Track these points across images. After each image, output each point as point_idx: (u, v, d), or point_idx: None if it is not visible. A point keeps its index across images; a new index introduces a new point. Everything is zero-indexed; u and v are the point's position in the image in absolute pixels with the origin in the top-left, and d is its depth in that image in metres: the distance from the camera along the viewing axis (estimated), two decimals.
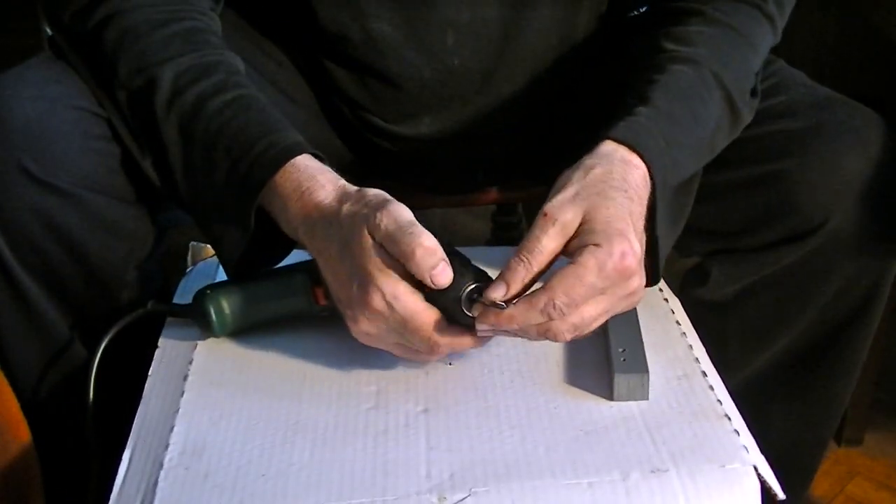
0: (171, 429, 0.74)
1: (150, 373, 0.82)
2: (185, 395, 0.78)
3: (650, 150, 0.79)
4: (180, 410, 0.76)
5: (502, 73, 0.99)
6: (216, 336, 0.85)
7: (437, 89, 0.98)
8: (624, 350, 0.80)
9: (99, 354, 0.81)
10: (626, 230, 0.73)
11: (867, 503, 1.37)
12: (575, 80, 1.03)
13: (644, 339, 0.82)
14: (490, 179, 1.10)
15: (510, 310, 0.72)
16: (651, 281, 0.83)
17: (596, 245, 0.72)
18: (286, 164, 0.78)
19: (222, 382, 0.79)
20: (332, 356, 0.83)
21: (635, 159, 0.78)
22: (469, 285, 0.74)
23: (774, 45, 0.95)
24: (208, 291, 0.84)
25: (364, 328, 0.75)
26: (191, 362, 0.82)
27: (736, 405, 0.78)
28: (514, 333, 0.75)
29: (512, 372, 0.81)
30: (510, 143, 1.04)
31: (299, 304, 0.85)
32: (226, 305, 0.84)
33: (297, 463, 0.71)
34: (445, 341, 0.74)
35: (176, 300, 0.90)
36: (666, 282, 0.97)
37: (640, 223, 0.77)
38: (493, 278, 0.74)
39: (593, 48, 1.01)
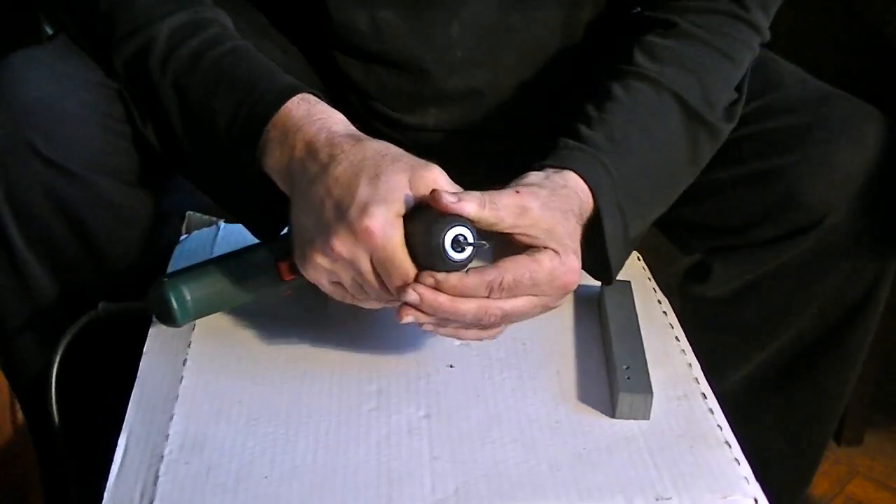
0: (171, 418, 0.73)
1: (144, 350, 0.80)
2: (183, 382, 0.76)
3: (596, 180, 0.80)
4: (179, 398, 0.75)
5: (506, 68, 0.98)
6: (178, 326, 0.81)
7: (441, 81, 0.97)
8: (628, 367, 0.79)
9: (56, 365, 0.79)
10: (577, 251, 0.77)
11: (867, 503, 1.38)
12: (578, 77, 1.02)
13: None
14: (492, 174, 1.09)
15: (458, 277, 0.73)
16: (606, 280, 0.86)
17: (555, 252, 0.74)
18: (295, 96, 0.77)
19: (221, 370, 0.78)
20: (331, 349, 0.82)
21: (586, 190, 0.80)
22: (454, 226, 0.72)
23: (777, 45, 0.95)
24: (165, 279, 0.80)
25: (335, 252, 0.72)
26: (189, 345, 0.80)
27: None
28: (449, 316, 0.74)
29: (513, 378, 0.80)
30: (513, 138, 1.03)
31: (264, 281, 0.81)
32: (186, 292, 0.80)
33: (300, 465, 0.70)
34: (420, 288, 0.72)
35: (170, 269, 0.88)
36: (666, 282, 0.97)
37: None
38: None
39: (596, 44, 1.00)
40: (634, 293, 0.90)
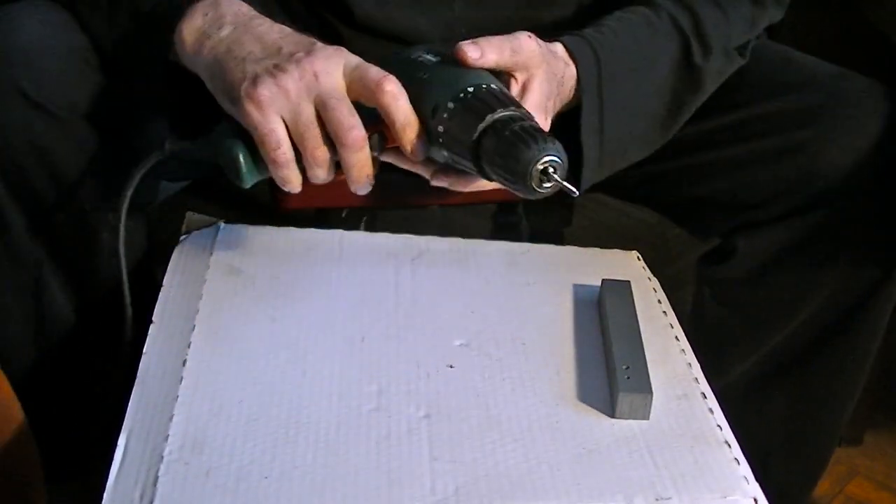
0: (171, 418, 0.73)
1: (144, 351, 0.80)
2: (183, 382, 0.76)
3: (584, 60, 0.84)
4: (179, 398, 0.74)
5: None
6: (244, 187, 0.79)
7: None
8: (628, 367, 0.79)
9: (123, 221, 0.82)
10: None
11: (867, 503, 1.38)
12: None
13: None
14: None
15: None
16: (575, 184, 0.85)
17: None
18: None
19: (221, 370, 0.78)
20: (331, 349, 0.82)
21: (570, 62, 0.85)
22: (549, 154, 0.69)
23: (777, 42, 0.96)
24: (233, 138, 0.77)
25: (285, 85, 0.73)
26: (189, 346, 0.80)
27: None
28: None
29: (513, 379, 0.80)
30: None
31: None
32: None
33: (300, 466, 0.70)
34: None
35: (169, 272, 0.88)
36: (668, 281, 0.97)
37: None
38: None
39: None
40: (634, 293, 0.90)
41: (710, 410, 0.79)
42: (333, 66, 0.74)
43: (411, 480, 0.69)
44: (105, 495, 0.67)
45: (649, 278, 0.96)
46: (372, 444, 0.72)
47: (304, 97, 0.73)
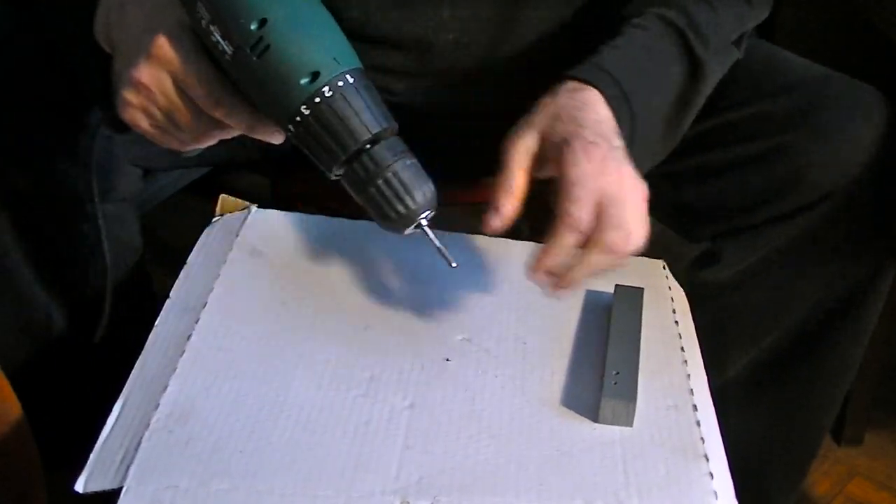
0: (165, 388, 0.77)
1: (156, 323, 0.84)
2: (184, 355, 0.80)
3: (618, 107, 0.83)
4: (177, 370, 0.78)
5: (500, 52, 0.98)
6: None
7: (432, 62, 0.97)
8: (617, 373, 0.80)
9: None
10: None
11: (867, 503, 1.38)
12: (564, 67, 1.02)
13: (643, 362, 0.82)
14: (479, 167, 1.09)
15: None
16: None
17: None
18: None
19: (222, 347, 0.82)
20: (334, 337, 0.84)
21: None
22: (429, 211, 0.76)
23: (776, 43, 0.96)
24: None
25: (141, 84, 0.75)
26: (197, 321, 0.84)
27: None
28: None
29: (505, 377, 0.82)
30: (503, 127, 1.03)
31: None
32: None
33: (275, 443, 0.73)
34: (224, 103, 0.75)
35: (194, 252, 0.92)
36: (672, 270, 0.97)
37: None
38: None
39: (595, 36, 1.00)
40: (650, 301, 0.90)
41: (697, 423, 0.78)
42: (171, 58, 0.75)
43: (378, 467, 0.72)
44: (91, 455, 0.71)
45: (670, 287, 0.96)
46: (350, 429, 0.75)
47: (160, 88, 0.76)
